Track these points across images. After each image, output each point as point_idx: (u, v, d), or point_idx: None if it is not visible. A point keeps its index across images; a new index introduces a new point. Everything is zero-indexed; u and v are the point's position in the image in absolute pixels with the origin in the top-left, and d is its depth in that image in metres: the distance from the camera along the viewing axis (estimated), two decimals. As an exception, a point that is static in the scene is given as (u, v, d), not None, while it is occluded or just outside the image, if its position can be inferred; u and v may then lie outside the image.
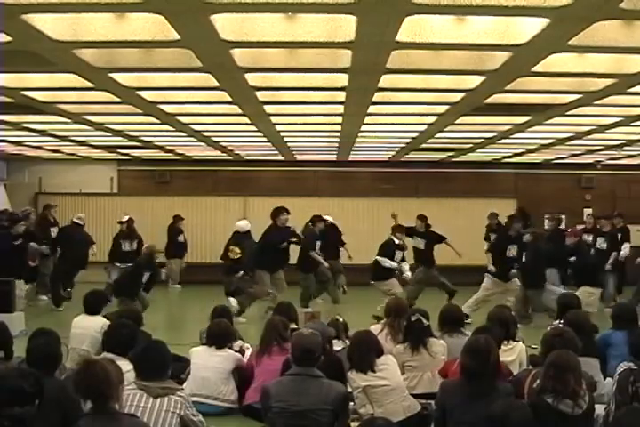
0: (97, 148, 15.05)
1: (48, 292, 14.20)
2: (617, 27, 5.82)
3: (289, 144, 14.24)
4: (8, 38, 6.00)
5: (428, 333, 6.94)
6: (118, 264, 14.15)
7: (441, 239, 13.05)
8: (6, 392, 3.60)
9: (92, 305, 7.64)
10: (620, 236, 14.23)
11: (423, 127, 11.47)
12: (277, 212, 12.17)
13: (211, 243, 16.36)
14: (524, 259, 11.68)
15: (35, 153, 15.84)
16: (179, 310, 14.31)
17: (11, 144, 14.13)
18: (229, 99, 8.90)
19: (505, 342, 6.49)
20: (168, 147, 15.08)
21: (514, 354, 6.53)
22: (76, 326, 7.61)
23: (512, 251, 11.61)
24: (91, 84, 8.03)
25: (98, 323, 7.34)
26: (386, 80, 7.66)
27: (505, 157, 16.59)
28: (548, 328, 6.30)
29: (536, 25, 5.60)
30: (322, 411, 4.91)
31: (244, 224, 13.28)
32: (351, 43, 6.06)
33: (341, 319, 7.63)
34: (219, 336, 7.01)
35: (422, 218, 13.13)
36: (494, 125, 11.37)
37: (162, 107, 9.61)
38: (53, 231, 14.68)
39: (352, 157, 16.97)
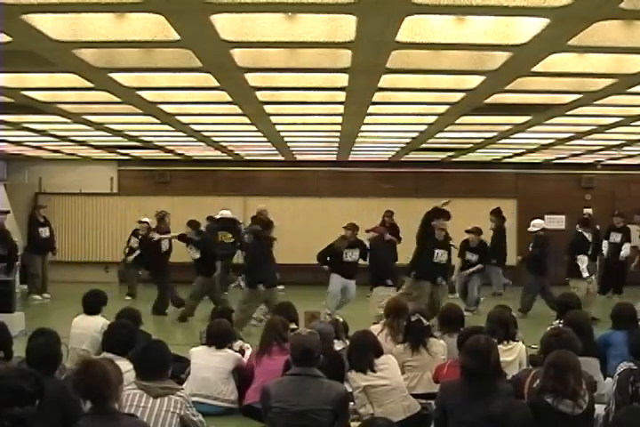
0: (97, 148, 15.05)
1: (39, 292, 14.30)
2: (617, 27, 5.81)
3: (289, 144, 14.24)
4: (8, 38, 5.99)
5: (428, 333, 6.95)
6: None
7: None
8: (6, 392, 3.60)
9: (92, 305, 7.64)
10: (620, 236, 14.29)
11: (423, 127, 11.47)
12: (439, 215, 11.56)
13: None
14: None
15: (35, 153, 15.84)
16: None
17: (11, 144, 14.13)
18: (229, 99, 8.90)
19: (505, 342, 6.50)
20: (168, 147, 15.08)
21: (514, 354, 6.53)
22: (76, 326, 7.62)
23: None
24: (91, 84, 8.03)
25: (97, 323, 7.34)
26: (386, 80, 7.66)
27: (505, 157, 16.59)
28: (548, 328, 6.30)
29: (536, 25, 5.60)
30: (322, 411, 4.91)
31: (229, 212, 14.02)
32: (351, 43, 6.06)
33: (341, 319, 7.63)
34: (219, 336, 7.01)
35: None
36: (494, 125, 11.37)
37: (162, 107, 9.61)
38: (43, 232, 14.76)
39: (352, 157, 16.96)
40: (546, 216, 16.86)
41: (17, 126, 11.55)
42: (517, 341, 6.71)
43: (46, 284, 14.68)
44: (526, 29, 5.77)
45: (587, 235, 12.31)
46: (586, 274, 11.67)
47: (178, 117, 10.56)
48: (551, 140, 13.13)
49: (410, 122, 11.00)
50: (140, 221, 14.67)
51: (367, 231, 11.96)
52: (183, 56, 6.61)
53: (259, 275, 10.95)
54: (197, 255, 12.32)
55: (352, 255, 11.82)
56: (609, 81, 7.63)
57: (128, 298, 14.09)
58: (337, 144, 14.10)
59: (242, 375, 6.95)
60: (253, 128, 11.64)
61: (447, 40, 6.02)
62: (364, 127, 11.44)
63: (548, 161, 17.14)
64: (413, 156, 16.39)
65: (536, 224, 13.21)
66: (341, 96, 8.66)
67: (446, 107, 9.42)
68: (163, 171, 17.88)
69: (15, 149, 14.95)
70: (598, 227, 14.07)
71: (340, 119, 10.58)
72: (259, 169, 17.76)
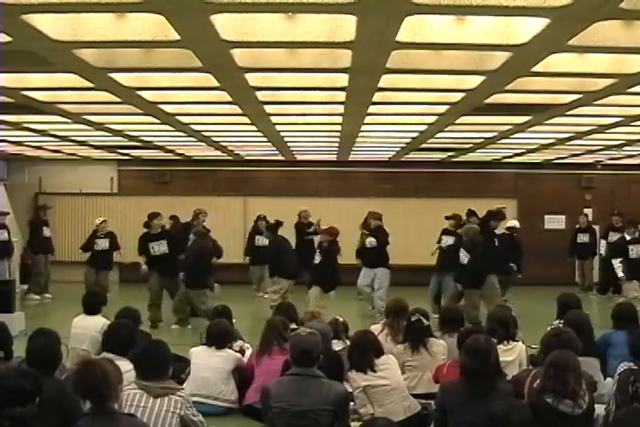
0: (97, 148, 15.06)
1: (41, 291, 14.28)
2: (617, 27, 5.81)
3: (289, 144, 14.24)
4: (8, 38, 6.00)
5: (428, 333, 6.95)
6: None
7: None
8: (6, 392, 3.60)
9: (92, 305, 7.65)
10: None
11: (423, 127, 11.47)
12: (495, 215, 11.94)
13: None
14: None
15: (35, 153, 15.85)
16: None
17: (11, 144, 14.14)
18: (229, 99, 8.90)
19: (505, 342, 6.49)
20: (168, 147, 15.08)
21: (514, 354, 6.53)
22: (76, 326, 7.62)
23: None
24: (91, 84, 8.03)
25: (97, 323, 7.34)
26: (386, 80, 7.66)
27: (505, 157, 16.59)
28: (548, 328, 6.30)
29: (536, 25, 5.60)
30: (322, 411, 4.90)
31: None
32: (351, 43, 6.06)
33: (341, 319, 7.62)
34: (218, 336, 7.01)
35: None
36: (494, 125, 11.37)
37: (162, 107, 9.61)
38: (46, 231, 14.76)
39: (352, 157, 16.97)
40: (546, 216, 16.90)
41: (17, 126, 11.55)
42: (517, 341, 6.70)
43: (47, 284, 14.69)
44: (526, 29, 5.78)
45: (628, 237, 12.24)
46: (621, 274, 11.66)
47: (178, 117, 10.57)
48: (551, 141, 13.13)
49: (410, 122, 11.00)
50: (100, 222, 14.28)
51: (318, 231, 11.71)
52: (183, 56, 6.61)
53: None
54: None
55: (370, 243, 12.24)
56: (609, 81, 7.63)
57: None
58: (337, 144, 14.10)
59: (242, 375, 6.95)
60: (253, 128, 11.65)
61: (447, 40, 6.02)
62: (364, 127, 11.44)
63: (548, 161, 17.15)
64: (413, 156, 16.39)
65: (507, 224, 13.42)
66: (341, 96, 8.66)
67: (446, 107, 9.42)
68: (163, 171, 17.89)
69: (15, 149, 14.95)
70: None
71: (340, 119, 10.58)
72: (259, 169, 17.76)
